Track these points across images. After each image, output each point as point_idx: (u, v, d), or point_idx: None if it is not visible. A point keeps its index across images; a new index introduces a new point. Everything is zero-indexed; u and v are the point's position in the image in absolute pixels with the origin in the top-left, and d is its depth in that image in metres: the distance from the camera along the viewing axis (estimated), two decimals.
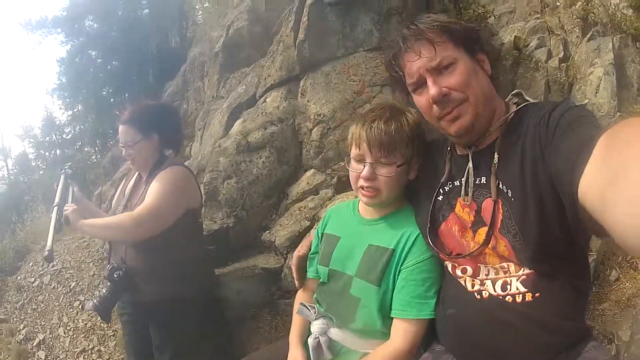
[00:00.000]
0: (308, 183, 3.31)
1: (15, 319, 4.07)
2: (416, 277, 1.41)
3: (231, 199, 3.40)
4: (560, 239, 1.12)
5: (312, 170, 3.34)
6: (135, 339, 2.50)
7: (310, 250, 1.76)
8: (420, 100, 1.30)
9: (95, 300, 2.25)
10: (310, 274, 1.72)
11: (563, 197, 1.00)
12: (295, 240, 3.05)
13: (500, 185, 1.21)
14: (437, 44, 1.23)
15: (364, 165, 1.43)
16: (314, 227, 3.10)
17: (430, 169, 1.48)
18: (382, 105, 1.51)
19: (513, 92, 1.38)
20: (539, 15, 4.31)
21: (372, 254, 1.49)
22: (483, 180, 1.26)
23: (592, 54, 3.68)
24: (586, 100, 3.51)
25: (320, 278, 1.64)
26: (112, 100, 10.90)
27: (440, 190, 1.39)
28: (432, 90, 1.22)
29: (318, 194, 3.27)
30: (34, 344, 3.76)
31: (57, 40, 11.30)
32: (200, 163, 4.06)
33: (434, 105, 1.25)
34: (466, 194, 1.29)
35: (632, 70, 3.65)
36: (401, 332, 1.40)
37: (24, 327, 3.94)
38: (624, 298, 2.76)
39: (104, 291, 2.28)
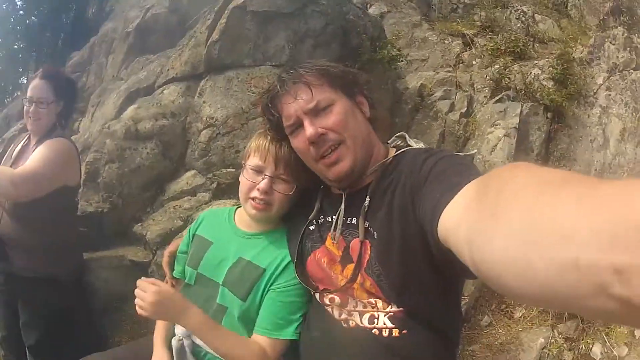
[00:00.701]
0: (187, 183, 3.25)
1: None
2: (284, 299, 1.40)
3: (110, 184, 3.28)
4: (428, 281, 1.14)
5: (193, 171, 3.29)
6: (4, 311, 2.39)
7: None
8: (298, 142, 1.29)
9: None
10: (176, 273, 1.66)
11: (428, 239, 1.00)
12: (167, 237, 2.99)
13: (368, 227, 1.22)
14: (313, 87, 1.23)
15: (263, 178, 1.41)
16: (187, 228, 3.03)
17: (303, 201, 1.48)
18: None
19: (397, 134, 1.40)
20: (450, 69, 4.58)
21: (242, 267, 1.47)
22: (353, 220, 1.27)
23: (497, 115, 3.91)
24: (474, 150, 3.70)
25: (185, 279, 1.59)
26: (20, 56, 10.18)
27: (314, 220, 1.40)
28: (309, 130, 1.21)
29: (195, 195, 3.22)
30: None
31: None
32: (87, 140, 3.86)
33: (311, 147, 1.24)
34: (334, 234, 1.30)
35: (535, 137, 3.92)
36: (262, 347, 1.39)
37: None
38: (496, 343, 2.86)
39: None
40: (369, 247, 1.22)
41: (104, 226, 3.29)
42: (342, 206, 1.31)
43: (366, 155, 1.28)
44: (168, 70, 3.66)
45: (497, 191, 0.60)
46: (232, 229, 1.59)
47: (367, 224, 1.23)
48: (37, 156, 2.14)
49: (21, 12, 10.31)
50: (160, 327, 1.63)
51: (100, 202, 3.32)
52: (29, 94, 2.30)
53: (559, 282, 0.43)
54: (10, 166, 2.30)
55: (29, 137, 2.40)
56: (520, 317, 3.02)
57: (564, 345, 2.77)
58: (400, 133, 1.40)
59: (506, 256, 0.51)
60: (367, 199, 1.24)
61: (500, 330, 2.97)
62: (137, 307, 1.36)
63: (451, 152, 1.15)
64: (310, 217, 1.40)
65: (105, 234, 3.27)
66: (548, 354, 2.73)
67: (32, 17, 10.00)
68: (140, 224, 3.24)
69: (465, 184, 0.83)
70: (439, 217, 0.85)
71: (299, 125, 1.27)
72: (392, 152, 1.32)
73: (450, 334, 1.27)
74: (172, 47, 4.14)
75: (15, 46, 10.51)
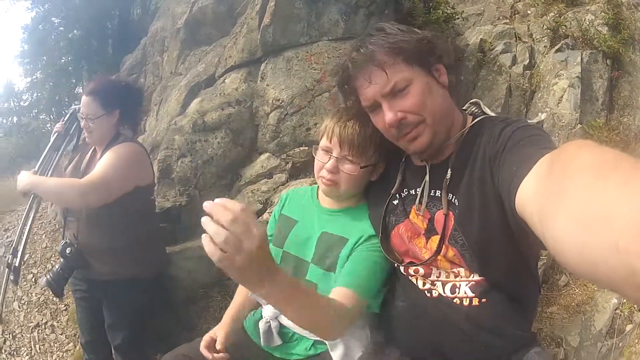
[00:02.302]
0: (262, 166, 3.30)
1: None
2: (368, 258, 1.41)
3: (184, 178, 3.37)
4: (507, 250, 1.16)
5: (266, 154, 3.33)
6: (88, 316, 2.48)
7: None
8: (378, 121, 1.30)
9: (48, 276, 2.24)
10: None
11: (506, 209, 1.03)
12: None
13: (452, 199, 1.24)
14: (388, 67, 1.20)
15: (330, 158, 1.45)
16: (267, 211, 3.09)
17: (384, 174, 1.51)
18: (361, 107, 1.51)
19: (471, 101, 1.40)
20: (507, 21, 4.42)
21: (326, 241, 1.50)
22: (437, 193, 1.29)
23: (559, 65, 3.78)
24: (543, 116, 3.61)
25: None
26: (70, 69, 10.57)
27: (397, 195, 1.41)
28: (388, 116, 1.22)
29: (272, 178, 3.27)
30: None
31: (24, 7, 10.91)
32: (155, 139, 3.98)
33: (391, 129, 1.25)
34: (420, 204, 1.32)
35: (598, 85, 3.78)
36: (345, 298, 1.30)
37: None
38: (573, 304, 2.85)
39: (57, 267, 2.26)
40: (452, 218, 1.23)
41: (182, 219, 3.36)
42: (427, 177, 1.32)
43: (446, 127, 1.28)
44: (226, 59, 3.70)
45: (562, 169, 0.65)
46: (315, 207, 1.62)
47: (450, 196, 1.25)
48: (102, 163, 2.21)
49: (61, 28, 10.69)
50: (233, 305, 1.68)
51: (176, 196, 3.41)
52: (81, 109, 2.35)
53: (603, 264, 0.46)
54: (80, 177, 2.34)
55: (94, 149, 2.46)
56: None
57: (635, 306, 2.71)
58: (475, 100, 1.40)
59: (567, 235, 0.55)
60: (449, 171, 1.25)
61: (577, 290, 2.95)
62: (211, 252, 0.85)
63: (526, 122, 1.16)
64: (392, 191, 1.41)
65: (184, 226, 3.34)
66: (620, 315, 2.68)
67: (74, 31, 10.35)
68: None
69: (539, 156, 0.85)
70: (517, 190, 0.88)
71: (377, 106, 1.27)
72: (469, 121, 1.32)
73: (528, 303, 1.30)
74: (224, 36, 4.18)
75: (63, 60, 10.91)
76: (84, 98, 2.33)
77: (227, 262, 0.84)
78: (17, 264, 2.15)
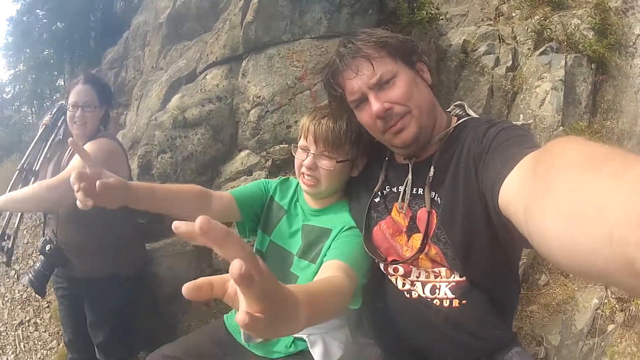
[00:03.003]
0: (242, 163, 3.28)
1: None
2: (353, 239, 1.42)
3: (165, 174, 3.33)
4: (490, 249, 1.17)
5: (246, 151, 3.31)
6: (70, 314, 2.46)
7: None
8: (363, 115, 1.31)
9: (30, 275, 2.23)
10: (240, 199, 1.59)
11: (490, 208, 1.03)
12: None
13: (435, 197, 1.25)
14: (374, 60, 1.23)
15: (307, 155, 1.49)
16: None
17: (367, 173, 1.52)
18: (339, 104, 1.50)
19: (455, 103, 1.42)
20: (491, 22, 4.46)
21: (309, 233, 1.54)
22: (420, 191, 1.30)
23: (542, 68, 3.83)
24: (530, 120, 3.64)
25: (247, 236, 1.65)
26: (52, 61, 10.43)
27: (379, 192, 1.42)
28: (375, 106, 1.22)
29: (251, 175, 3.25)
30: None
31: None
32: (135, 135, 3.93)
33: (378, 120, 1.25)
34: (402, 201, 1.33)
35: (582, 89, 3.83)
36: (340, 271, 1.21)
37: None
38: (553, 303, 2.90)
39: (38, 265, 2.25)
40: (435, 216, 1.24)
41: (162, 215, 3.33)
42: (410, 176, 1.32)
43: (431, 122, 1.29)
44: (207, 55, 3.67)
45: (548, 166, 0.65)
46: (300, 201, 1.65)
47: (433, 193, 1.25)
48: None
49: (44, 20, 10.56)
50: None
51: None
52: (72, 99, 2.28)
53: (595, 257, 0.46)
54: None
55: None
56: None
57: (616, 306, 2.78)
58: (459, 102, 1.42)
59: (555, 231, 0.55)
60: (432, 169, 1.26)
61: (557, 290, 3.00)
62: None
63: (510, 123, 1.17)
64: (375, 189, 1.42)
65: (164, 223, 3.31)
66: (601, 315, 2.75)
67: (58, 23, 10.22)
68: None
69: (523, 155, 0.86)
70: (500, 188, 0.89)
71: (363, 100, 1.28)
72: (454, 121, 1.33)
73: (508, 303, 1.32)
74: (207, 31, 4.15)
75: (46, 52, 10.78)
76: (81, 86, 2.28)
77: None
78: (10, 246, 2.17)
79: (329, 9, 3.47)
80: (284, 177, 1.79)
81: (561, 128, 3.60)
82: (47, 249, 2.23)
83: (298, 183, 1.70)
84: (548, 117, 3.65)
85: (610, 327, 2.73)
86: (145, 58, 4.95)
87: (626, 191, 0.45)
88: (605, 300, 2.78)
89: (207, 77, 3.55)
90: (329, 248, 1.44)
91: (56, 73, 10.71)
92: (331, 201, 1.58)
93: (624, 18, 4.24)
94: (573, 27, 4.12)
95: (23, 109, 13.37)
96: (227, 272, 1.27)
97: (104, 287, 2.28)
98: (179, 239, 3.21)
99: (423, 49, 1.35)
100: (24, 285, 3.72)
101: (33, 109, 12.14)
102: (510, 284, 1.32)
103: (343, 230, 1.47)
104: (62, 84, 10.39)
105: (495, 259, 1.20)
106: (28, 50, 11.00)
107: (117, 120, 4.43)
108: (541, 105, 3.73)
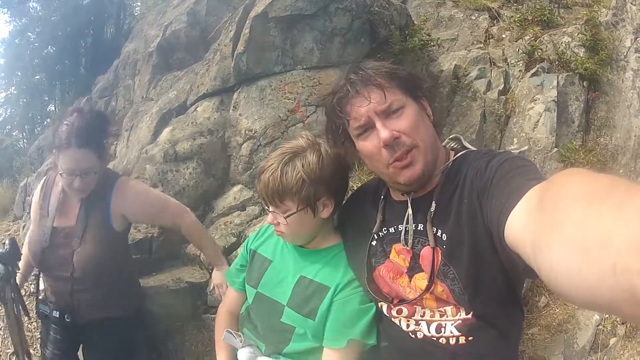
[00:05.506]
0: (235, 198, 3.23)
1: None
2: (350, 307, 1.36)
3: None
4: (496, 282, 1.14)
5: (239, 186, 3.27)
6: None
7: None
8: (366, 145, 1.24)
9: None
10: (236, 285, 1.65)
11: (495, 242, 1.02)
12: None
13: (437, 233, 1.21)
14: (386, 89, 1.20)
15: (267, 213, 1.45)
16: (242, 244, 3.02)
17: (361, 214, 1.45)
18: (284, 149, 1.42)
19: (451, 137, 1.38)
20: (481, 46, 4.45)
21: (306, 287, 1.45)
22: (420, 227, 1.25)
23: (535, 89, 3.82)
24: (525, 147, 3.62)
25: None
26: (42, 87, 10.40)
27: (375, 235, 1.37)
28: (383, 133, 1.17)
29: (245, 210, 3.20)
30: None
31: (3, 20, 10.84)
32: (126, 167, 3.88)
33: (384, 150, 1.19)
34: (405, 241, 1.27)
35: (574, 107, 3.82)
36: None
37: None
38: (554, 323, 2.88)
39: None
40: (439, 253, 1.19)
41: (153, 251, 3.29)
42: (410, 210, 1.27)
43: (434, 158, 1.24)
44: (198, 86, 3.64)
45: (553, 199, 0.66)
46: (289, 246, 1.56)
47: (435, 229, 1.21)
48: (156, 195, 2.31)
49: (36, 44, 10.52)
50: (221, 352, 1.62)
51: (148, 227, 3.32)
52: (68, 165, 1.92)
53: (601, 288, 0.47)
54: (53, 220, 2.08)
55: (64, 190, 2.11)
56: None
57: (618, 319, 2.76)
58: (454, 135, 1.38)
59: (562, 264, 0.56)
60: (434, 204, 1.21)
61: (557, 310, 2.98)
62: None
63: (511, 153, 1.14)
64: (373, 231, 1.36)
65: (156, 258, 3.27)
66: (603, 330, 2.72)
67: (49, 48, 10.19)
68: (192, 244, 3.23)
69: (528, 187, 0.86)
70: (506, 221, 0.89)
71: (368, 128, 1.22)
72: (452, 155, 1.30)
73: (514, 334, 1.29)
74: (197, 61, 4.13)
75: (37, 77, 10.73)
76: (73, 152, 1.90)
77: None
78: None
79: (320, 38, 3.46)
80: (263, 226, 1.72)
81: (555, 149, 3.58)
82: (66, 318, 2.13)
83: None
84: (542, 139, 3.64)
85: (612, 340, 2.73)
86: (136, 87, 4.92)
87: (629, 221, 0.46)
88: (606, 316, 2.74)
89: (197, 109, 3.52)
90: (327, 313, 1.38)
91: (47, 98, 10.68)
92: (326, 244, 1.50)
93: (615, 31, 4.26)
94: (564, 45, 4.14)
95: (14, 133, 13.31)
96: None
97: (103, 329, 2.16)
98: (172, 275, 3.17)
99: (425, 84, 1.35)
100: None
101: (24, 134, 12.06)
102: (516, 314, 1.28)
103: (339, 288, 1.39)
104: (53, 109, 10.35)
105: (502, 291, 1.17)
106: (19, 73, 10.94)
107: (107, 150, 4.37)
108: (535, 127, 3.72)
